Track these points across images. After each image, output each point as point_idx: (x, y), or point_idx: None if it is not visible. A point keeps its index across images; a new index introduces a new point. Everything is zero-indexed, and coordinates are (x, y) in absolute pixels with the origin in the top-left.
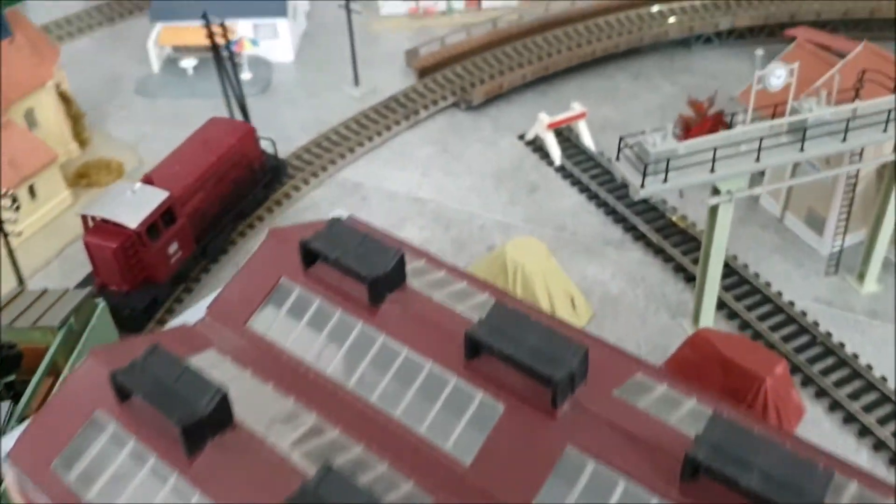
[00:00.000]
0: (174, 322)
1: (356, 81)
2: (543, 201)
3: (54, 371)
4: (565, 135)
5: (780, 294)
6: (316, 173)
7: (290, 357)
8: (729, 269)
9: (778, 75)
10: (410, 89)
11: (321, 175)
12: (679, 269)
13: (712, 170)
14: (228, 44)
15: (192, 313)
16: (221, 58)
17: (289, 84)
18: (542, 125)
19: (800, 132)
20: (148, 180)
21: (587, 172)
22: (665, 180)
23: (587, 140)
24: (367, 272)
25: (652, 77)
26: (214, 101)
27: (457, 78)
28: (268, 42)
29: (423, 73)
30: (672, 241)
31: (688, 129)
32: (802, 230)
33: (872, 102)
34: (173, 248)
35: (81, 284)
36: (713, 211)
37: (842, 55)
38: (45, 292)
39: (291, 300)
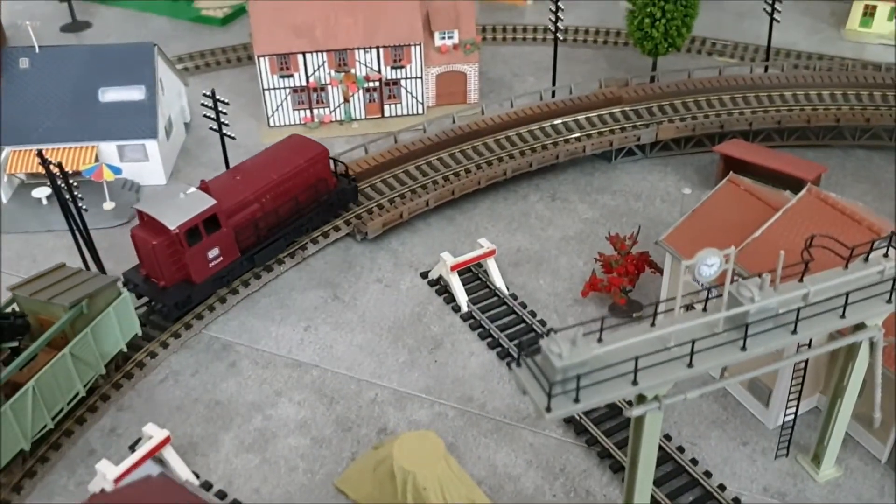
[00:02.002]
0: None
1: None
2: (448, 361)
3: (61, 345)
4: (475, 272)
5: (722, 488)
6: (177, 332)
7: None
8: (662, 455)
9: (710, 263)
10: None
11: (184, 335)
12: (605, 454)
13: (635, 381)
14: (66, 175)
15: None
16: (60, 191)
17: None
18: (445, 267)
19: (741, 326)
20: (204, 187)
21: (497, 321)
22: (577, 399)
23: (498, 281)
24: None
25: (569, 198)
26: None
27: (351, 203)
28: (137, 164)
29: None
30: (596, 416)
31: (609, 270)
32: (745, 397)
33: (827, 284)
34: (213, 252)
35: (134, 270)
36: (638, 422)
37: (781, 181)
38: (78, 271)
39: None
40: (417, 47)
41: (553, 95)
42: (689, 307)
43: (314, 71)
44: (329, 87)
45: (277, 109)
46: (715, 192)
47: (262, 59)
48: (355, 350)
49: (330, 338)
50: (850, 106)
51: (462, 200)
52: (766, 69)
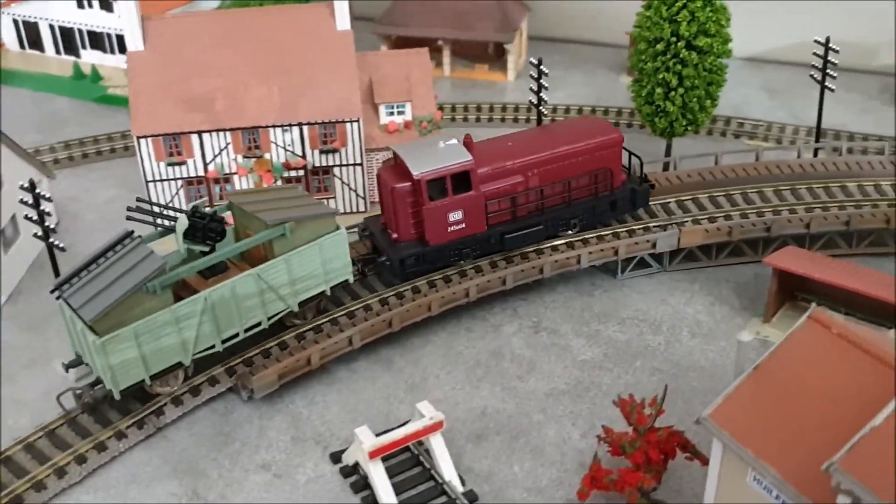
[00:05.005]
0: None
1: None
2: None
3: (257, 261)
4: (414, 452)
5: None
6: None
7: None
8: None
9: None
10: None
11: None
12: None
13: None
14: None
15: None
16: None
17: None
18: (361, 452)
19: None
20: (468, 142)
21: None
22: None
23: (446, 469)
24: None
25: (559, 330)
26: None
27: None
28: None
29: None
30: None
31: (619, 452)
32: None
33: None
34: (455, 216)
35: (375, 218)
36: None
37: (862, 308)
38: (305, 195)
39: None
40: (355, 125)
41: None
42: None
43: (214, 156)
44: (235, 176)
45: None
46: (789, 337)
47: (143, 140)
48: None
49: None
50: None
51: (405, 335)
52: (815, 153)
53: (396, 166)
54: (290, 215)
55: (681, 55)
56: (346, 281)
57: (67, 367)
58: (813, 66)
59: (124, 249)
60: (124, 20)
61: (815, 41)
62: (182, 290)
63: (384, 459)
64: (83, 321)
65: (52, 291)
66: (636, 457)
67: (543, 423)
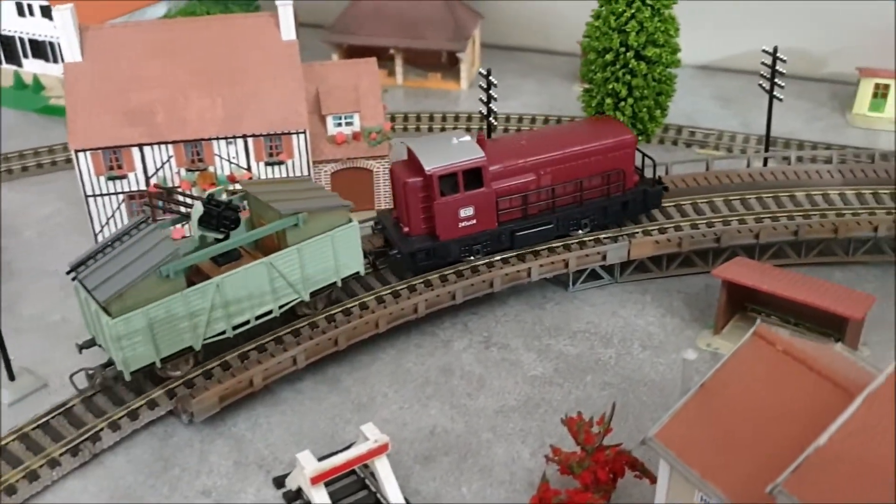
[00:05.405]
0: None
1: (10, 375)
2: None
3: (270, 250)
4: (360, 475)
5: None
6: None
7: None
8: None
9: None
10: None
11: None
12: None
13: None
14: None
15: None
16: None
17: None
18: (303, 477)
19: None
20: (480, 140)
21: None
22: None
23: (392, 493)
24: None
25: (510, 345)
26: None
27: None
28: None
29: None
30: None
31: (566, 472)
32: None
33: None
34: (466, 212)
35: (389, 211)
36: None
37: (812, 318)
38: (320, 188)
39: None
40: (301, 136)
41: None
42: None
43: (157, 170)
44: (179, 190)
45: (107, 224)
46: (735, 354)
47: (81, 154)
48: None
49: None
50: (888, 210)
51: (352, 352)
52: (765, 162)
53: (409, 161)
54: (303, 206)
55: (630, 65)
56: (358, 273)
57: (81, 347)
58: (761, 76)
59: (140, 234)
60: (60, 30)
61: (763, 50)
62: (195, 277)
63: (329, 483)
64: (97, 302)
65: (68, 272)
66: (584, 477)
67: (493, 442)
